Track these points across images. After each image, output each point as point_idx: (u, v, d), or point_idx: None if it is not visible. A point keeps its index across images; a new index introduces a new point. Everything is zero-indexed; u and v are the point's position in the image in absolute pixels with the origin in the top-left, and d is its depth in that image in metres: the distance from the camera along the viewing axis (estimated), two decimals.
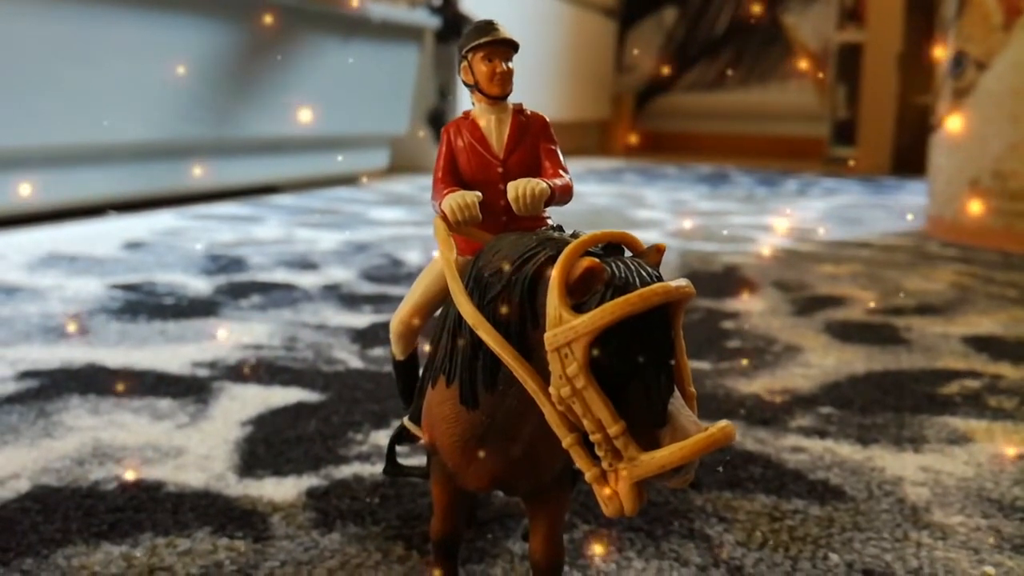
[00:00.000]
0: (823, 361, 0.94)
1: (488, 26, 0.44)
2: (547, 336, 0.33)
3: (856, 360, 0.95)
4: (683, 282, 0.34)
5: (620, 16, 4.84)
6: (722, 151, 4.64)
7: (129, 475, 0.61)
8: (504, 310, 0.36)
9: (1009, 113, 1.72)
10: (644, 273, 0.34)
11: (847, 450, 0.70)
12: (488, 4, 2.92)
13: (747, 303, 1.21)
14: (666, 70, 4.53)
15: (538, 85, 3.65)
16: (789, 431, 0.74)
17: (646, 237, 1.76)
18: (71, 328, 0.98)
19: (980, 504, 0.61)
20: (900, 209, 2.45)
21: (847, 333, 1.06)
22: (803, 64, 4.23)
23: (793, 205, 2.49)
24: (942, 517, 0.59)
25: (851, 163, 3.65)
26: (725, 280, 1.38)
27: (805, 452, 0.69)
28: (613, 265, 0.34)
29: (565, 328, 0.33)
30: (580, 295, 0.33)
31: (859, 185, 3.16)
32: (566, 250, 0.34)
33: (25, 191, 1.62)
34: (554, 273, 0.34)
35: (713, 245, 1.72)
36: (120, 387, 0.79)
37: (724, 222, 2.08)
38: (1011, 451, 0.71)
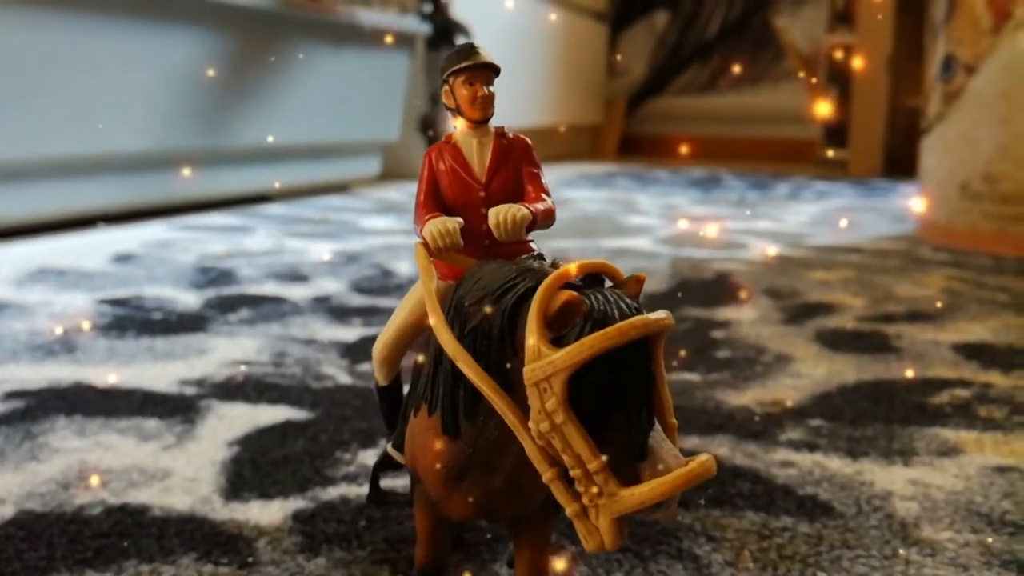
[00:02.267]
0: (813, 371, 0.94)
1: (469, 50, 0.43)
2: (526, 370, 0.33)
3: (846, 370, 0.95)
4: (662, 314, 0.33)
5: (611, 20, 4.85)
6: (714, 154, 4.64)
7: (114, 499, 0.61)
8: (484, 342, 0.36)
9: (999, 116, 1.72)
10: (623, 305, 0.33)
11: (837, 464, 0.70)
12: (478, 10, 2.93)
13: (738, 311, 1.21)
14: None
15: (529, 90, 3.65)
16: (779, 444, 0.74)
17: (638, 244, 1.76)
18: (84, 326, 0.98)
19: (969, 519, 0.61)
20: (892, 212, 2.45)
21: (838, 342, 1.06)
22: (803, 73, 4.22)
23: (784, 209, 2.49)
24: (931, 533, 0.59)
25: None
26: (716, 288, 1.37)
27: (794, 466, 0.69)
28: (592, 297, 0.33)
29: (543, 363, 0.32)
30: (559, 329, 0.33)
31: (851, 188, 3.17)
32: (544, 283, 0.34)
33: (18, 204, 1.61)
34: (533, 307, 0.33)
35: (704, 251, 1.72)
36: (107, 407, 0.78)
37: (715, 227, 2.08)
38: (1000, 463, 0.71)
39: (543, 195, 0.44)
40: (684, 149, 4.70)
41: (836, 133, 3.93)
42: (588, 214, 2.29)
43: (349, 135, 2.51)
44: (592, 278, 0.36)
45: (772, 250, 1.71)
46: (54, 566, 0.52)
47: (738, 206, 2.56)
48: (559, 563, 0.46)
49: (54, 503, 0.60)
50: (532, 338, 0.33)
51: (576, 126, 4.48)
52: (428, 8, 2.73)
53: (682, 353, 1.00)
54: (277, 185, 2.21)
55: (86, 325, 1.05)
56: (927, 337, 1.08)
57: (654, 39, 4.96)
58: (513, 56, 3.45)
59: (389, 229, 1.92)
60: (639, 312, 0.34)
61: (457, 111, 0.44)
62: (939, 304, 1.25)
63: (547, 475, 0.34)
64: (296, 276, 1.38)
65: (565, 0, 4.08)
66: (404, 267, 1.48)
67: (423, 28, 2.69)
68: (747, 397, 0.85)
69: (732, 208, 2.51)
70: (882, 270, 1.55)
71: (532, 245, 0.44)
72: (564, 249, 1.69)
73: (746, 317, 1.18)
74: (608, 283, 0.37)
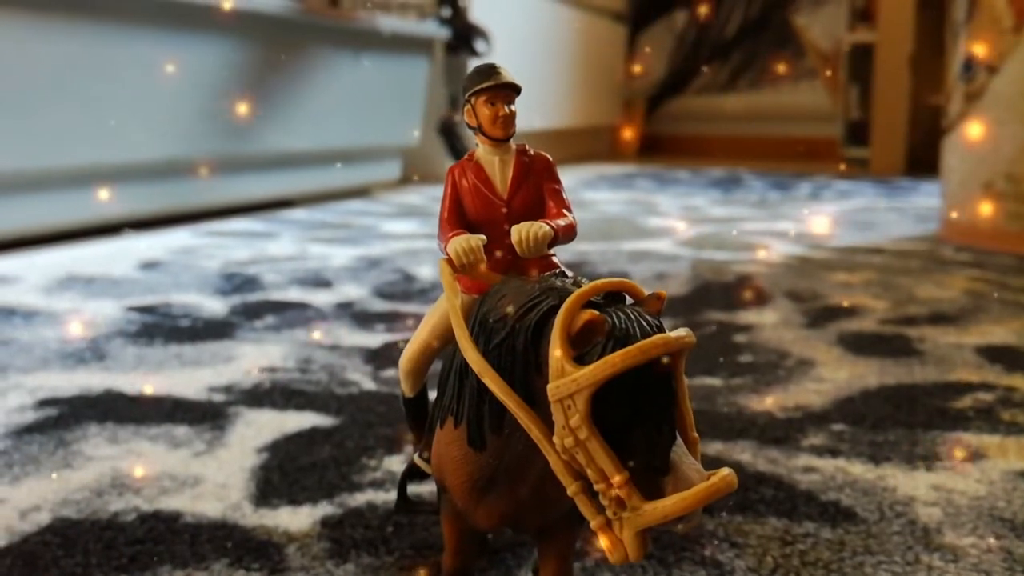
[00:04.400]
0: (836, 375, 0.94)
1: (490, 70, 0.44)
2: (550, 388, 0.34)
3: (869, 374, 0.95)
4: (683, 332, 0.34)
5: (630, 20, 4.84)
6: (734, 154, 4.63)
7: (147, 506, 0.62)
8: (508, 358, 0.37)
9: (1021, 116, 1.71)
10: (644, 323, 0.34)
11: (859, 469, 0.70)
12: (497, 13, 2.94)
13: (759, 315, 1.21)
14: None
15: (549, 91, 3.66)
16: (801, 450, 0.74)
17: (659, 246, 1.77)
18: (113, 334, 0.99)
19: (992, 524, 0.61)
20: (915, 212, 2.44)
21: (860, 345, 1.06)
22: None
23: (806, 209, 2.48)
24: (954, 538, 0.59)
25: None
26: (737, 291, 1.38)
27: (817, 472, 0.70)
28: (614, 316, 0.34)
29: (567, 380, 0.33)
30: (581, 347, 0.34)
31: (873, 187, 3.15)
32: (567, 302, 0.35)
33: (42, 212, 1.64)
34: (556, 325, 0.34)
35: (725, 254, 1.72)
36: (138, 414, 0.80)
37: (736, 228, 2.08)
38: None
39: (564, 211, 0.45)
40: (708, 150, 4.68)
41: (858, 132, 3.91)
42: (608, 216, 2.29)
43: (369, 140, 2.53)
44: (613, 296, 0.37)
45: (775, 255, 1.71)
46: (90, 572, 0.54)
47: (759, 207, 2.55)
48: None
49: (88, 510, 0.62)
50: (555, 356, 0.34)
51: (595, 127, 4.48)
52: (447, 13, 2.74)
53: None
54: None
55: (115, 333, 1.07)
56: (950, 340, 1.08)
57: (673, 39, 4.95)
58: (532, 57, 3.46)
59: (410, 233, 1.94)
60: (660, 330, 0.34)
61: (479, 130, 0.45)
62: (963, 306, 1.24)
63: (572, 489, 0.35)
64: (320, 282, 1.40)
65: (583, 1, 4.08)
66: (426, 272, 1.49)
67: (442, 33, 2.70)
68: (769, 402, 0.86)
69: (753, 209, 2.50)
70: (904, 271, 1.54)
71: (555, 260, 0.45)
72: (584, 252, 1.69)
73: (768, 320, 1.18)
74: (629, 300, 0.38)
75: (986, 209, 1.79)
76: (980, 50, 1.77)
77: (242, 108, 2.03)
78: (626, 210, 2.43)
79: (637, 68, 4.60)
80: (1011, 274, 1.52)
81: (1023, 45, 1.70)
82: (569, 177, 3.31)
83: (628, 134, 4.62)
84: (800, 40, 4.65)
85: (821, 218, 2.30)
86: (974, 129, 1.80)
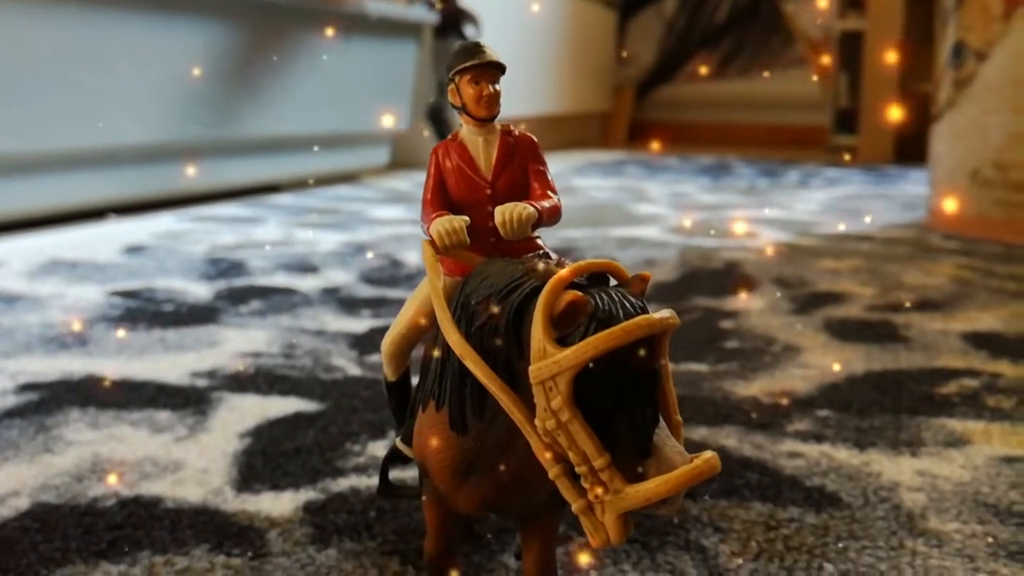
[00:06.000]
0: (822, 361, 0.94)
1: (475, 48, 0.44)
2: (531, 369, 0.34)
3: (855, 360, 0.95)
4: (667, 313, 0.34)
5: (620, 6, 4.83)
6: (724, 141, 4.62)
7: (128, 491, 0.62)
8: (490, 340, 0.36)
9: (1010, 104, 1.71)
10: (628, 304, 0.34)
11: (844, 455, 0.70)
12: None
13: (746, 301, 1.21)
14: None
15: (538, 77, 3.64)
16: (786, 435, 0.74)
17: (647, 233, 1.76)
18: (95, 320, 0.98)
19: (976, 510, 0.61)
20: (903, 200, 2.44)
21: (846, 332, 1.06)
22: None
23: (793, 197, 2.48)
24: (938, 524, 0.59)
25: (847, 157, 3.64)
26: (725, 277, 1.37)
27: (802, 457, 0.69)
28: (597, 297, 0.34)
29: (549, 362, 0.33)
30: (564, 328, 0.33)
31: (861, 175, 3.15)
32: (550, 283, 0.34)
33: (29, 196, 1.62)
34: (538, 307, 0.34)
35: (713, 241, 1.72)
36: (119, 399, 0.79)
37: (725, 216, 2.08)
38: (1008, 453, 0.71)
39: (549, 192, 0.44)
40: (699, 137, 4.67)
41: (847, 119, 3.91)
42: (597, 202, 2.29)
43: (358, 125, 2.51)
44: (597, 277, 0.37)
45: (763, 242, 1.71)
46: (69, 558, 0.53)
47: (747, 194, 2.55)
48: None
49: (68, 495, 0.61)
50: (538, 337, 0.34)
51: (585, 113, 4.47)
52: None
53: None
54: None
55: (97, 318, 1.06)
56: (936, 327, 1.08)
57: (663, 25, 4.94)
58: (522, 43, 3.45)
59: (398, 219, 1.93)
60: (644, 311, 0.34)
61: (463, 109, 0.44)
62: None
63: (553, 472, 0.35)
64: (306, 267, 1.39)
65: None
66: (413, 257, 1.48)
67: (430, 17, 2.68)
68: (755, 387, 0.86)
69: (742, 196, 2.50)
70: (891, 258, 1.54)
71: (539, 242, 0.44)
72: (573, 239, 1.69)
73: (755, 307, 1.18)
74: (613, 282, 0.37)
75: (973, 197, 1.79)
76: (971, 37, 1.77)
77: (229, 93, 2.01)
78: (615, 197, 2.42)
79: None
80: (997, 261, 1.52)
81: (1012, 32, 1.69)
82: (558, 163, 3.30)
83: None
84: (790, 28, 4.65)
85: (803, 205, 2.30)
86: (964, 116, 1.80)
